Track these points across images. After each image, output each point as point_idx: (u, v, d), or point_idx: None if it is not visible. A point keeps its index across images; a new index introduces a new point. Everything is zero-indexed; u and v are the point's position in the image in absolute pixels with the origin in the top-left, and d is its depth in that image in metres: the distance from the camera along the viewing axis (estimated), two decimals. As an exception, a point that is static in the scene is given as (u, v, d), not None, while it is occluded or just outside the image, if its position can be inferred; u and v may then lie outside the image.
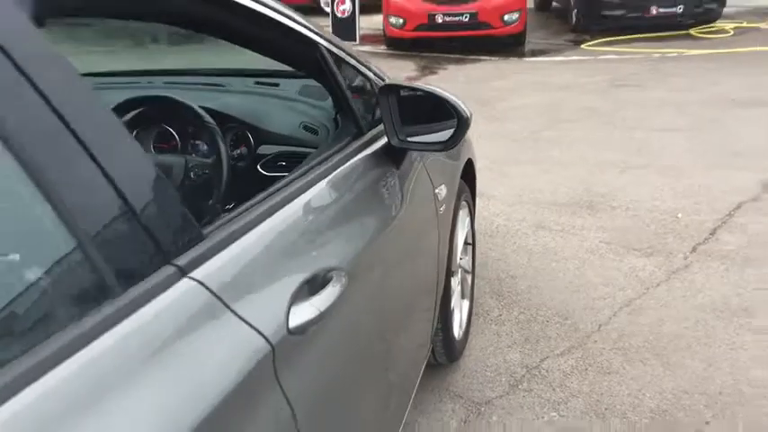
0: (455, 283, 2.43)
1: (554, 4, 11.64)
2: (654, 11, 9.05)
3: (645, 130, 5.25)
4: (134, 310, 0.81)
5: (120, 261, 0.83)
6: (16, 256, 0.76)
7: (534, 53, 9.00)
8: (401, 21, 8.41)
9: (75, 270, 0.79)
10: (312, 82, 1.88)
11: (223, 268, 0.98)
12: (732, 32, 9.02)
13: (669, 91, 6.44)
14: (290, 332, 1.03)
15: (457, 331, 2.46)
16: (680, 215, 3.65)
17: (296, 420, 1.01)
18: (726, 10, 9.59)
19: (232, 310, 0.95)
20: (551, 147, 4.96)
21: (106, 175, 0.82)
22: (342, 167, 1.45)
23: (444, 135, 1.59)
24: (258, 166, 2.00)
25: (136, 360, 0.79)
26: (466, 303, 2.64)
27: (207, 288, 0.93)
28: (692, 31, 9.09)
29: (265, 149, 1.85)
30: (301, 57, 1.58)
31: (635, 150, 4.76)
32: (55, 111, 0.79)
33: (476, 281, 2.86)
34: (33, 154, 0.74)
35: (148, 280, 0.85)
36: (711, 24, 9.31)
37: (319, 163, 1.41)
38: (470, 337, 2.67)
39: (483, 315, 2.84)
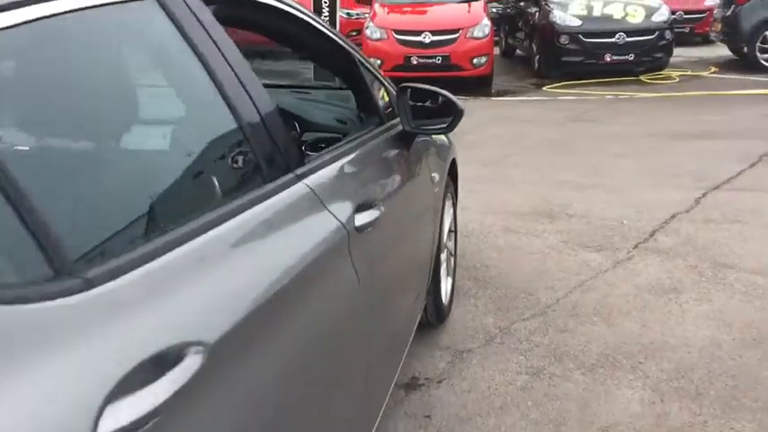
0: (443, 257, 3.04)
1: (518, 51, 12.53)
2: (608, 58, 9.94)
3: (597, 156, 5.98)
4: (273, 195, 1.40)
5: (268, 163, 1.43)
6: (222, 149, 1.36)
7: (500, 93, 9.80)
8: (379, 61, 9.15)
9: (247, 164, 1.39)
10: (334, 91, 2.51)
11: (319, 181, 1.57)
12: (677, 79, 9.94)
13: (620, 125, 7.22)
14: (356, 229, 1.63)
15: (444, 297, 3.07)
16: (625, 222, 4.32)
17: (359, 282, 1.60)
18: (672, 59, 10.54)
19: (326, 207, 1.54)
20: (516, 169, 5.65)
21: (263, 117, 1.43)
22: (370, 143, 2.07)
23: (445, 122, 2.22)
24: (302, 147, 2.61)
25: (276, 224, 1.37)
26: (449, 280, 3.25)
27: (312, 190, 1.52)
28: (642, 78, 9.99)
29: (307, 136, 2.46)
30: (343, 65, 2.20)
31: (589, 172, 5.47)
32: (239, 78, 1.40)
33: (455, 269, 3.47)
34: (233, 99, 1.35)
35: (282, 179, 1.44)
36: (659, 72, 10.23)
37: (354, 139, 2.01)
38: (453, 307, 3.27)
39: (463, 292, 3.45)
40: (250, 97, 1.40)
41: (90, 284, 0.87)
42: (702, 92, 9.02)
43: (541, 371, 2.75)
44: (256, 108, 1.41)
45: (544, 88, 9.72)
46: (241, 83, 1.39)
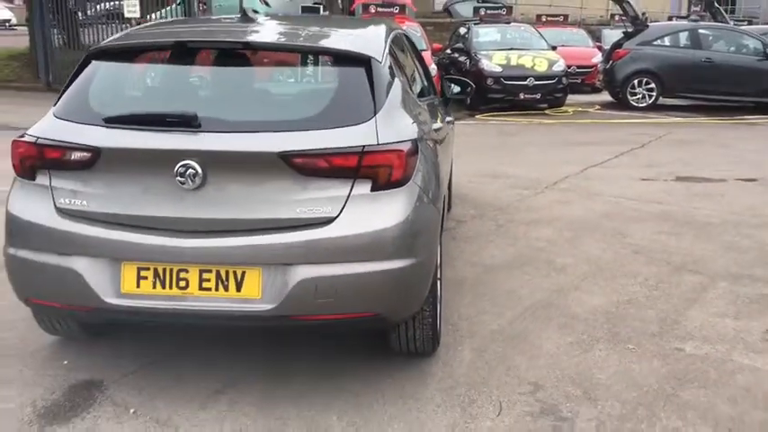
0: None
1: (450, 91, 15.75)
2: (522, 96, 13.19)
3: (520, 152, 9.08)
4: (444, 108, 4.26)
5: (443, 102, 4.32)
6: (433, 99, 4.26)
7: (443, 120, 12.94)
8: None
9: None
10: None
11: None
12: (572, 113, 13.30)
13: (533, 137, 10.41)
14: (448, 122, 4.52)
15: (447, 209, 5.95)
16: (539, 179, 7.35)
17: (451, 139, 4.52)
18: (568, 100, 13.96)
19: (446, 115, 4.43)
20: (470, 157, 8.63)
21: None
22: (444, 108, 4.95)
23: (465, 94, 5.11)
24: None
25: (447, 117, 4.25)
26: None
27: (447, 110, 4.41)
28: (547, 111, 13.31)
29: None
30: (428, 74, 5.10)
31: (515, 159, 8.54)
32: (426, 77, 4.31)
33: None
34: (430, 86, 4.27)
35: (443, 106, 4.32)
36: (559, 107, 13.60)
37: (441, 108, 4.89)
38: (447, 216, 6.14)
39: (453, 205, 6.33)
40: (431, 81, 4.29)
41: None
42: (589, 120, 12.40)
43: (502, 225, 5.66)
44: (432, 86, 4.29)
45: (476, 116, 12.85)
46: (429, 75, 4.28)
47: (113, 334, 3.50)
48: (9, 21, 34.60)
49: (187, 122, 2.79)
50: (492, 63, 13.32)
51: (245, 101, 3.13)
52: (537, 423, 2.83)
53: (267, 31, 3.49)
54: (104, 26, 15.38)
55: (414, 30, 13.08)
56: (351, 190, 2.76)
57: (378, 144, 2.79)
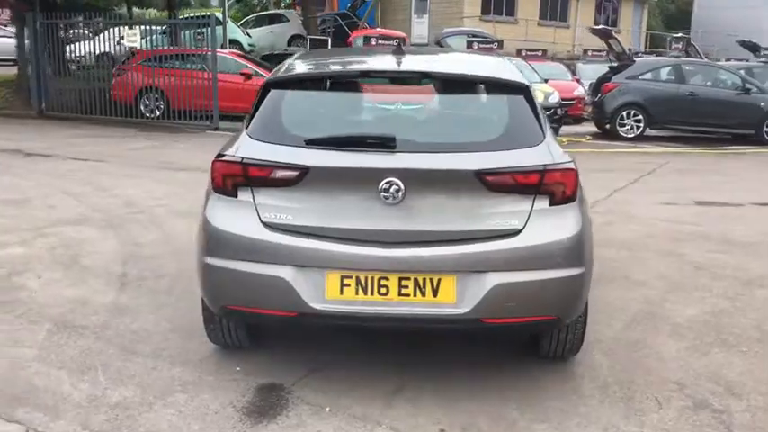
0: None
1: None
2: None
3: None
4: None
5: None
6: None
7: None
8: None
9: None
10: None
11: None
12: (567, 143, 13.89)
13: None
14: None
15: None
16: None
17: None
18: (565, 130, 14.58)
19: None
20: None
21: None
22: None
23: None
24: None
25: None
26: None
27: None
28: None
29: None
30: None
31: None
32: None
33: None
34: None
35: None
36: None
37: None
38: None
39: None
40: None
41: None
42: (588, 149, 12.99)
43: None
44: None
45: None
46: None
47: (269, 343, 3.72)
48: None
49: (385, 144, 3.09)
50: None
51: (430, 124, 3.45)
52: (699, 415, 3.16)
53: (434, 62, 3.91)
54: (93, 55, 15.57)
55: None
56: (533, 205, 3.09)
57: (555, 164, 3.14)
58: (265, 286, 3.07)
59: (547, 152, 3.18)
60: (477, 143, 3.19)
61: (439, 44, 19.15)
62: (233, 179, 3.16)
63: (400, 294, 3.03)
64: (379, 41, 14.58)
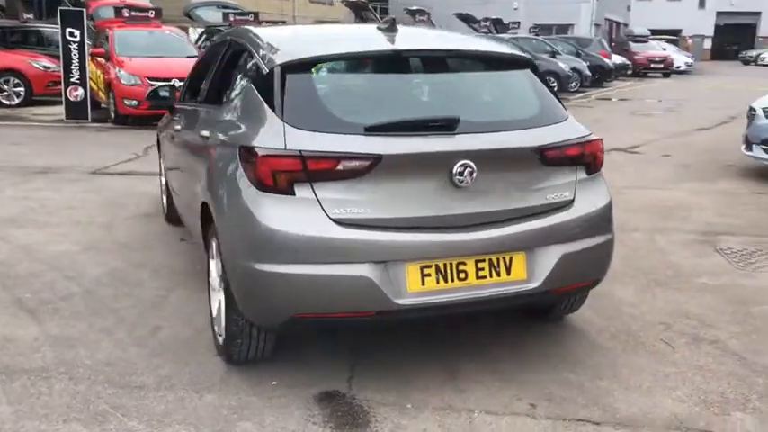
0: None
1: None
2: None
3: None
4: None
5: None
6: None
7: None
8: (135, 102, 11.27)
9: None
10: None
11: None
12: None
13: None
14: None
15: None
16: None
17: None
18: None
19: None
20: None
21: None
22: None
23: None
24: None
25: None
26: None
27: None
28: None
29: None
30: None
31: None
32: None
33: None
34: None
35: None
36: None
37: None
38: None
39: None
40: None
41: None
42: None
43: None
44: None
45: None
46: None
47: (281, 353, 3.38)
48: None
49: (450, 125, 2.98)
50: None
51: (479, 103, 3.37)
52: (703, 348, 3.59)
53: (448, 40, 3.84)
54: None
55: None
56: (576, 175, 3.22)
57: (588, 135, 3.29)
58: (346, 288, 2.80)
59: (576, 125, 3.32)
60: (527, 120, 3.23)
61: (188, 16, 18.07)
62: (289, 175, 2.79)
63: (478, 277, 2.97)
64: (133, 13, 13.30)
